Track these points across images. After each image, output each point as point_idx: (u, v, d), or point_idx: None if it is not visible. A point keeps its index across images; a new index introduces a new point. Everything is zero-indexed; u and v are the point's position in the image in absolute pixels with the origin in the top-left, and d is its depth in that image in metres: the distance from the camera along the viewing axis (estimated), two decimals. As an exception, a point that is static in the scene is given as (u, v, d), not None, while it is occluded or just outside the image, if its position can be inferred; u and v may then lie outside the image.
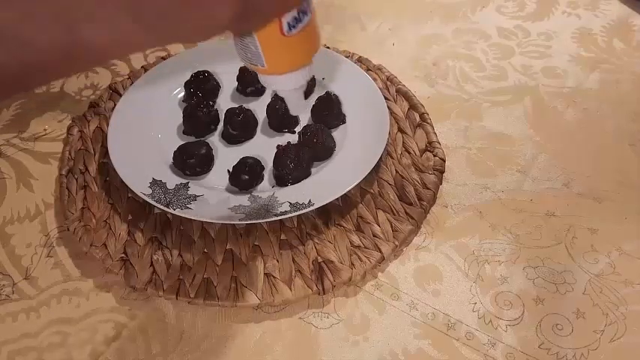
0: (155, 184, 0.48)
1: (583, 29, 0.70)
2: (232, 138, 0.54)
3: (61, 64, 0.30)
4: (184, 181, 0.49)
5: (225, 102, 0.58)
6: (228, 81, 0.59)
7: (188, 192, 0.48)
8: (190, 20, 0.28)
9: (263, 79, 0.37)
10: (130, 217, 0.48)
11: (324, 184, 0.48)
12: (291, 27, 0.32)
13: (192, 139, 0.53)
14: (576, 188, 0.52)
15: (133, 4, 0.28)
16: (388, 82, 0.61)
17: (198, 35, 0.31)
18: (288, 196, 0.47)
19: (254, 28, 0.32)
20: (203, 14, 0.28)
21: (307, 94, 0.58)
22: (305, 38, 0.34)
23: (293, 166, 0.48)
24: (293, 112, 0.41)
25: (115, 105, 0.55)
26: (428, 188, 0.49)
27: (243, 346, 0.41)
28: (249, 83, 0.58)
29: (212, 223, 0.47)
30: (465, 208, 0.50)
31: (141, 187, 0.47)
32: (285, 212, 0.45)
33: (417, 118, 0.56)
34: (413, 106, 0.57)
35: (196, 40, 0.32)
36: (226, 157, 0.51)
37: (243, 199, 0.47)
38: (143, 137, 0.53)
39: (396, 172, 0.51)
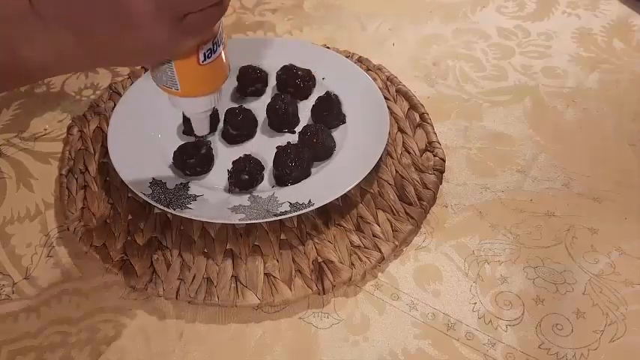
0: (155, 184, 0.48)
1: (583, 29, 0.70)
2: (232, 138, 0.54)
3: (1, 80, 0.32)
4: (184, 181, 0.49)
5: (225, 102, 0.58)
6: (228, 81, 0.59)
7: (188, 192, 0.48)
8: (131, 44, 0.31)
9: (173, 100, 0.39)
10: (130, 217, 0.48)
11: (324, 184, 0.48)
12: (206, 57, 0.35)
13: (192, 139, 0.53)
14: (576, 188, 0.52)
15: (76, 28, 0.30)
16: (388, 82, 0.61)
17: (140, 59, 0.35)
18: (288, 196, 0.47)
19: (180, 56, 0.35)
20: (142, 38, 0.30)
21: (307, 94, 0.58)
22: (216, 68, 0.37)
23: (293, 166, 0.48)
24: (198, 133, 0.43)
25: (115, 105, 0.55)
26: (428, 188, 0.49)
27: (243, 346, 0.41)
28: (249, 83, 0.58)
29: (212, 223, 0.47)
30: (465, 208, 0.50)
31: (141, 187, 0.47)
32: (285, 212, 0.45)
33: (417, 118, 0.56)
34: (413, 106, 0.57)
35: (139, 64, 0.34)
36: (226, 157, 0.51)
37: (243, 199, 0.47)
38: (143, 137, 0.53)
39: (396, 172, 0.51)
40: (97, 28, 0.30)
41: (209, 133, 0.44)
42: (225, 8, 0.33)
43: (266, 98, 0.58)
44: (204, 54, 0.35)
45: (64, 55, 0.31)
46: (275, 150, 0.50)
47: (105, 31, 0.30)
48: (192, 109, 0.41)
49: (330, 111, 0.54)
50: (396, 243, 0.46)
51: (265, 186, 0.50)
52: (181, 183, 0.49)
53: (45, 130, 0.58)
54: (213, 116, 0.54)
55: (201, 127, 0.43)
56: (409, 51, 0.67)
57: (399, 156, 0.53)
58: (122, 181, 0.47)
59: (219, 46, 0.36)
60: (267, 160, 0.51)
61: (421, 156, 0.53)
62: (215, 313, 0.43)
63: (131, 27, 0.29)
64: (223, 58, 0.37)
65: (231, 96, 0.59)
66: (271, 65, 0.59)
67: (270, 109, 0.54)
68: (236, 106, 0.54)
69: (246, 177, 0.48)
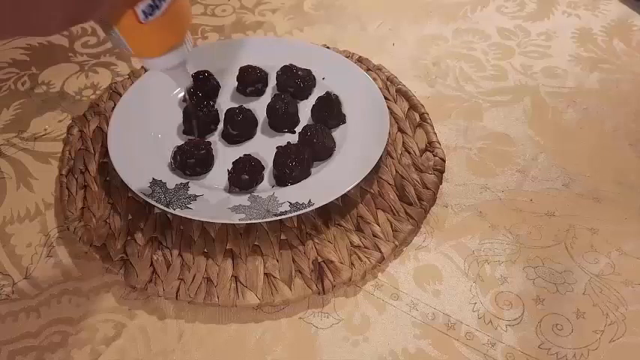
0: (155, 184, 0.48)
1: (583, 29, 0.70)
2: (232, 138, 0.54)
3: None
4: (184, 181, 0.49)
5: (225, 102, 0.58)
6: (228, 81, 0.59)
7: (188, 192, 0.48)
8: (28, 19, 0.30)
9: (141, 60, 0.37)
10: (130, 217, 0.48)
11: (324, 184, 0.48)
12: (147, 15, 0.32)
13: (191, 138, 0.53)
14: (576, 188, 0.52)
15: None
16: (388, 82, 0.61)
17: (38, 33, 0.32)
18: (288, 196, 0.47)
19: (113, 17, 0.32)
20: (39, 15, 0.29)
21: (307, 94, 0.58)
22: (168, 22, 0.34)
23: (293, 166, 0.48)
24: (180, 86, 0.41)
25: (115, 105, 0.55)
26: (428, 188, 0.49)
27: (243, 346, 0.41)
28: (249, 83, 0.58)
29: (212, 223, 0.47)
30: (464, 208, 0.50)
31: (141, 187, 0.47)
32: (285, 212, 0.45)
33: (417, 118, 0.56)
34: (413, 106, 0.57)
35: (42, 35, 0.33)
36: (226, 157, 0.51)
37: (243, 199, 0.47)
38: (143, 137, 0.53)
39: (396, 172, 0.51)
40: None
41: (192, 85, 0.41)
42: None
43: (266, 98, 0.58)
44: (144, 12, 0.32)
45: None
46: (275, 150, 0.50)
47: None
48: (158, 67, 0.38)
49: (330, 111, 0.54)
50: (396, 243, 0.46)
51: (265, 186, 0.50)
52: (181, 183, 0.49)
53: (45, 130, 0.58)
54: (213, 116, 0.54)
55: (180, 81, 0.40)
56: (409, 51, 0.67)
57: (399, 156, 0.53)
58: (122, 181, 0.47)
59: (163, 0, 0.33)
60: (267, 160, 0.51)
61: (421, 156, 0.53)
62: (215, 313, 0.43)
63: None
64: (176, 10, 0.34)
65: (231, 96, 0.59)
66: (271, 65, 0.59)
67: (270, 109, 0.54)
68: (236, 106, 0.54)
69: (246, 177, 0.48)
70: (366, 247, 0.45)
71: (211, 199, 0.47)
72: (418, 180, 0.50)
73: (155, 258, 0.45)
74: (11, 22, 0.31)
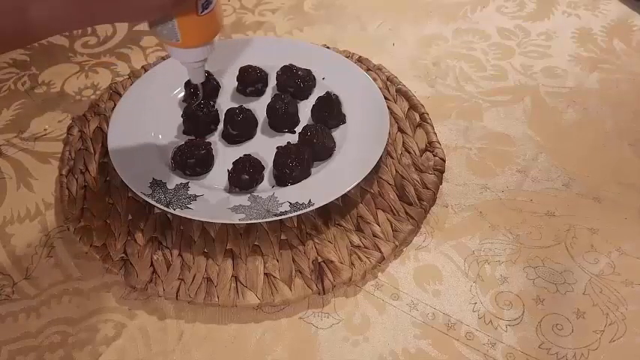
0: (155, 184, 0.48)
1: (583, 29, 0.70)
2: (232, 138, 0.54)
3: (10, 42, 0.34)
4: (184, 181, 0.49)
5: (225, 102, 0.58)
6: (228, 81, 0.59)
7: (188, 192, 0.48)
8: (133, 3, 0.33)
9: (173, 51, 0.43)
10: (130, 217, 0.48)
11: (324, 184, 0.48)
12: (204, 8, 0.39)
13: (191, 138, 0.53)
14: (576, 188, 0.52)
15: None
16: (388, 82, 0.61)
17: (140, 17, 0.37)
18: (288, 196, 0.47)
19: (182, 9, 0.38)
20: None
21: (307, 94, 0.58)
22: (212, 18, 0.40)
23: (293, 166, 0.48)
24: (194, 81, 0.47)
25: (115, 105, 0.55)
26: (428, 188, 0.49)
27: (243, 346, 0.41)
28: (249, 83, 0.58)
29: (212, 223, 0.47)
30: (464, 208, 0.50)
31: (141, 187, 0.47)
32: (285, 212, 0.45)
33: (417, 118, 0.56)
34: (413, 106, 0.57)
35: (137, 20, 0.36)
36: (226, 157, 0.51)
37: (243, 199, 0.47)
38: (143, 137, 0.53)
39: (396, 172, 0.51)
40: None
41: (204, 81, 0.47)
42: None
43: (266, 98, 0.58)
44: (202, 5, 0.38)
45: (68, 11, 0.33)
46: (275, 150, 0.50)
47: None
48: (191, 59, 0.43)
49: (330, 111, 0.54)
50: (396, 243, 0.46)
51: (265, 186, 0.50)
52: (181, 183, 0.49)
53: (45, 130, 0.58)
54: (213, 116, 0.54)
55: (197, 76, 0.46)
56: (409, 51, 0.67)
57: (399, 156, 0.53)
58: (122, 181, 0.47)
59: None
60: (267, 160, 0.51)
61: (421, 156, 0.53)
62: (215, 313, 0.43)
63: None
64: (218, 9, 0.40)
65: (231, 96, 0.59)
66: (271, 65, 0.59)
67: (270, 109, 0.54)
68: (236, 106, 0.54)
69: (246, 177, 0.48)
70: (366, 247, 0.45)
71: (211, 199, 0.47)
72: (418, 180, 0.50)
73: (155, 258, 0.45)
74: (111, 19, 0.35)
